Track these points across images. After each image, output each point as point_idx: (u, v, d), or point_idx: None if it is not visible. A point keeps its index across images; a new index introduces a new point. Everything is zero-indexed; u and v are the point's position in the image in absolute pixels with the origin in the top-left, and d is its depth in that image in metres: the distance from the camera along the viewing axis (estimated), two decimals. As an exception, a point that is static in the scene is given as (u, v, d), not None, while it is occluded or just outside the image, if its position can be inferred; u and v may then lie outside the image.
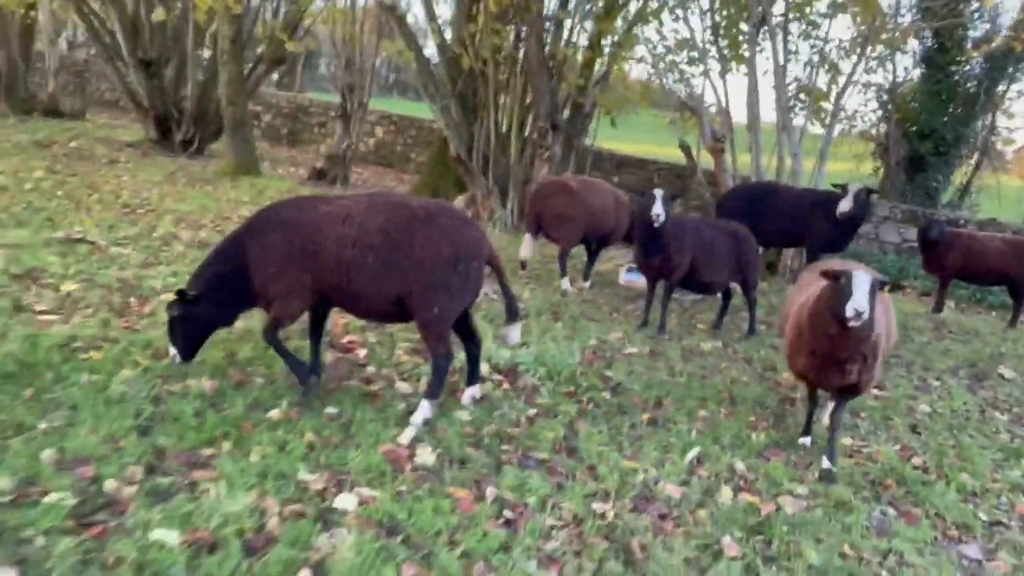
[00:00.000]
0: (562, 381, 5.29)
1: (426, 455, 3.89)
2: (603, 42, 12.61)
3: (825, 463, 4.52)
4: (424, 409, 4.30)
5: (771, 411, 5.48)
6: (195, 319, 4.32)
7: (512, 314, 4.71)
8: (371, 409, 4.37)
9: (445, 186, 14.54)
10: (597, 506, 3.69)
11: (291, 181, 14.48)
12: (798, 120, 12.20)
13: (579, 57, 12.73)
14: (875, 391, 6.17)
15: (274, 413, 4.06)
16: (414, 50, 11.69)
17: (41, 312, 5.08)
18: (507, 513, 3.48)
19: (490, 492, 3.63)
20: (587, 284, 8.85)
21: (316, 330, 4.67)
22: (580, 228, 8.55)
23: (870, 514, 4.07)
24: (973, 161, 17.82)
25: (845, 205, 8.39)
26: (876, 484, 4.49)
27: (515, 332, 4.76)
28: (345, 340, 5.48)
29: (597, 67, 12.74)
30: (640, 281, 8.58)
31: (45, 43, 20.19)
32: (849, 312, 4.01)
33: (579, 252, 9.19)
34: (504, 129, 12.45)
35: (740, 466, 4.43)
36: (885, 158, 17.43)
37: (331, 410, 4.27)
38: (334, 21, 14.22)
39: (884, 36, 13.39)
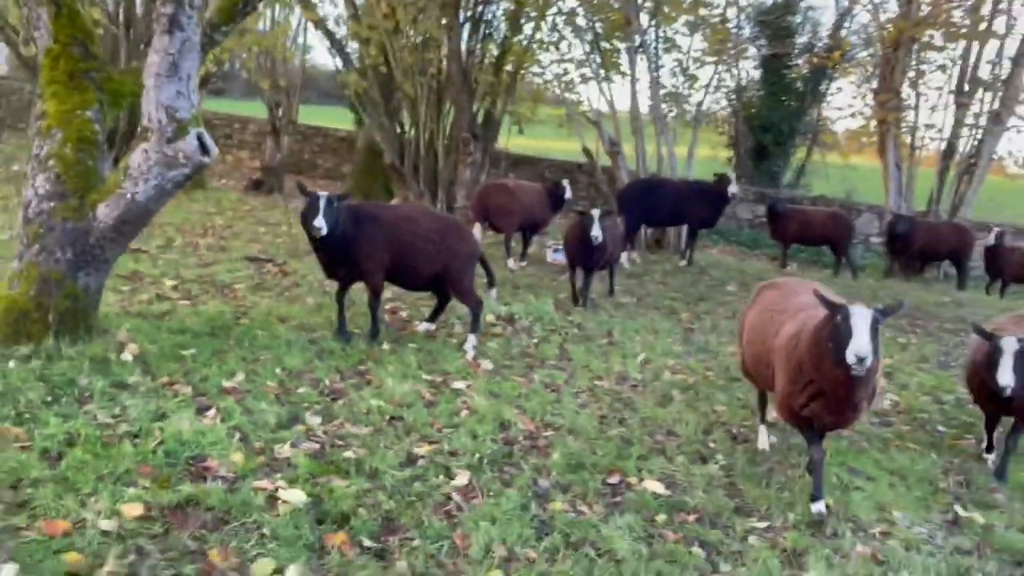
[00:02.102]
0: (545, 323, 7.75)
1: (487, 364, 6.26)
2: (506, 64, 15.07)
3: (818, 506, 4.29)
4: (471, 340, 6.64)
5: (680, 336, 8.13)
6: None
7: (491, 282, 7.33)
8: (437, 343, 6.68)
9: (376, 190, 16.62)
10: (596, 383, 6.19)
11: (235, 192, 16.13)
12: (669, 121, 15.10)
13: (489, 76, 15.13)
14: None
15: (386, 347, 6.31)
16: (366, 79, 13.78)
17: (178, 298, 7.05)
18: (550, 387, 5.91)
19: (535, 378, 6.06)
20: (523, 263, 11.32)
21: (378, 300, 6.84)
22: (518, 219, 11.05)
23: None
24: (806, 148, 21.55)
25: (735, 188, 11.35)
26: (731, 376, 7.17)
27: (494, 293, 7.45)
28: (388, 307, 7.70)
29: (504, 83, 15.18)
30: (563, 259, 11.12)
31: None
32: (850, 357, 3.74)
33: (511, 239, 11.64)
34: (429, 139, 14.69)
35: (671, 362, 7.04)
36: (736, 148, 20.84)
37: (413, 345, 6.54)
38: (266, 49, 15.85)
39: (730, 46, 16.50)
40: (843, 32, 20.39)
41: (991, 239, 12.02)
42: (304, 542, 3.41)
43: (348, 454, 4.32)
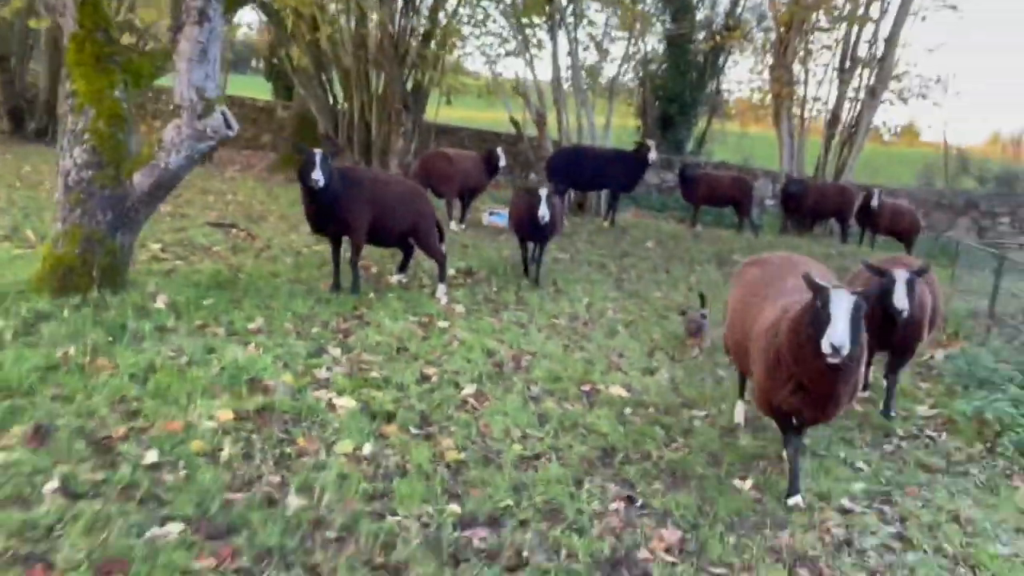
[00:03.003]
0: (499, 274, 8.83)
1: (459, 308, 7.30)
2: (434, 37, 15.89)
3: (795, 499, 4.18)
4: (441, 288, 7.67)
5: (613, 284, 9.36)
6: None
7: (440, 239, 8.13)
8: (412, 293, 7.67)
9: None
10: (554, 321, 7.33)
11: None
12: (587, 92, 16.31)
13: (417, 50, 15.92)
14: (665, 273, 10.34)
15: (371, 295, 7.26)
16: (306, 54, 14.36)
17: (172, 258, 7.77)
18: (518, 324, 7.02)
19: (504, 318, 7.15)
20: (463, 225, 12.34)
21: (359, 255, 7.76)
22: (458, 185, 12.04)
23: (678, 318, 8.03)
24: (706, 117, 23.20)
25: (654, 154, 12.63)
26: (660, 314, 8.46)
27: (443, 247, 8.23)
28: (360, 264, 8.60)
29: (432, 55, 15.99)
30: (500, 222, 12.25)
31: None
32: (824, 346, 3.51)
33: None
34: (362, 109, 15.40)
35: (610, 305, 8.26)
36: (643, 118, 22.28)
37: (392, 295, 7.50)
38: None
39: (636, 23, 17.79)
40: (739, 9, 22.02)
41: (875, 201, 13.69)
42: (367, 431, 4.42)
43: (374, 374, 5.32)
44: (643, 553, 3.48)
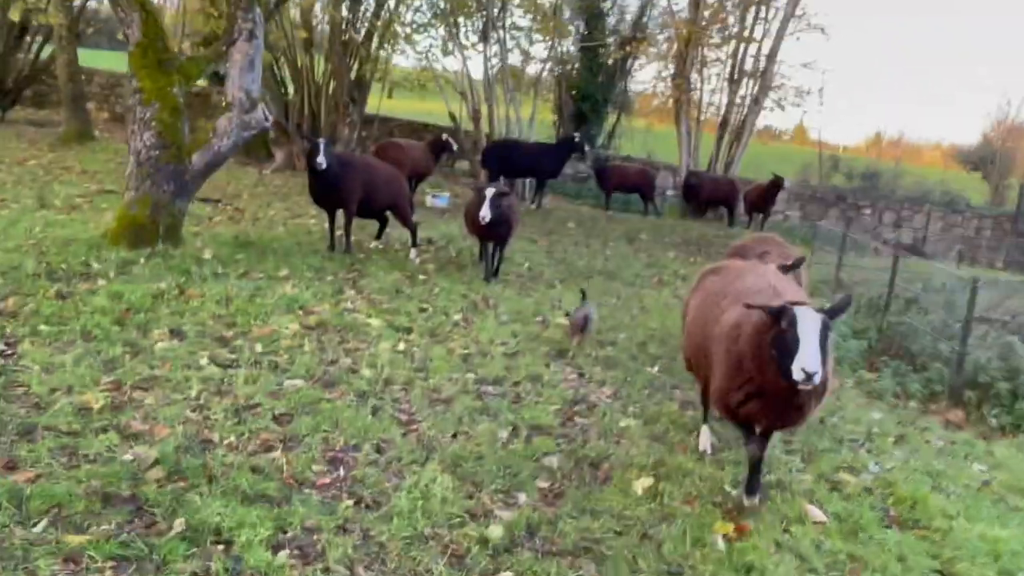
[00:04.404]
0: (455, 244, 10.79)
1: (430, 270, 9.22)
2: (375, 35, 17.59)
3: (753, 499, 4.11)
4: (413, 252, 9.59)
5: (545, 253, 11.45)
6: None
7: (412, 211, 10.12)
8: (389, 255, 9.53)
9: (255, 145, 18.57)
10: (505, 277, 9.35)
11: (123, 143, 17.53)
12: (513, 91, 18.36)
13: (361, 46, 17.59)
14: (586, 247, 12.52)
15: (361, 256, 9.10)
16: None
17: (190, 224, 9.37)
18: (485, 287, 9.00)
19: (468, 273, 9.12)
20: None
21: (351, 224, 9.55)
22: (407, 170, 13.87)
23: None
24: (615, 114, 25.66)
25: (588, 147, 14.78)
26: (584, 275, 10.60)
27: (414, 219, 10.24)
28: (339, 233, 10.37)
29: (374, 52, 17.69)
30: (441, 203, 14.21)
31: None
32: (796, 373, 3.33)
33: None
34: (310, 99, 16.97)
35: (545, 268, 10.33)
36: (559, 114, 24.52)
37: (375, 256, 9.35)
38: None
39: (552, 26, 19.93)
40: (645, 18, 24.52)
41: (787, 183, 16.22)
42: (396, 337, 6.34)
43: (385, 306, 7.21)
44: (592, 397, 5.58)
